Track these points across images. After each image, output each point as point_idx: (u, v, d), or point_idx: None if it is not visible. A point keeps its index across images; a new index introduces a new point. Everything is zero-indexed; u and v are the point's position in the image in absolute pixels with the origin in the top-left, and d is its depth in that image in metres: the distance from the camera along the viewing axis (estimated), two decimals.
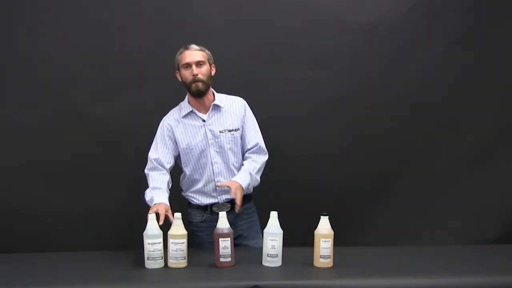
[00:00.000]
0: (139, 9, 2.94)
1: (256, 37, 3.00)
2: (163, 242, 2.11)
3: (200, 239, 2.49)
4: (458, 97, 3.13)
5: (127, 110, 2.97)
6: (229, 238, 2.08)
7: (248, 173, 2.44)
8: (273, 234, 2.11)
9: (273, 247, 2.10)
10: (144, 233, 2.10)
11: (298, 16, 3.01)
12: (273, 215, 2.14)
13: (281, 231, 2.13)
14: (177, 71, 2.49)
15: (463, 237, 3.05)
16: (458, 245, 2.77)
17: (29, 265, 2.22)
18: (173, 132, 2.48)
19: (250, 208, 2.56)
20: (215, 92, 2.53)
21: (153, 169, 2.45)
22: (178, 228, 2.09)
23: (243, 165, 2.50)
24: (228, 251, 2.08)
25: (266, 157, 2.56)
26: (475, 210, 3.15)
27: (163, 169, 2.45)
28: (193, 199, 2.53)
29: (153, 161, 2.46)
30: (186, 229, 2.12)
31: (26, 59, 2.90)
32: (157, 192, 2.36)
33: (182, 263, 2.10)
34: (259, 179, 2.50)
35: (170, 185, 2.46)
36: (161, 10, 2.95)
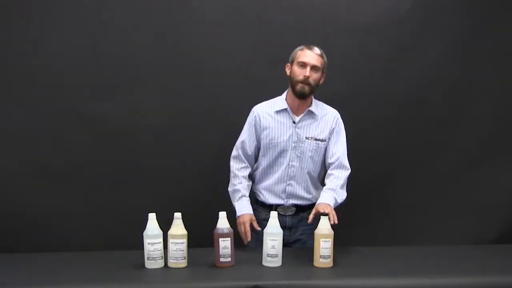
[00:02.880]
0: (139, 9, 2.93)
1: (256, 37, 2.99)
2: (163, 242, 2.11)
3: (259, 235, 2.36)
4: (458, 97, 3.13)
5: (127, 110, 2.96)
6: (229, 238, 2.08)
7: (330, 191, 2.37)
8: (273, 234, 2.11)
9: (273, 247, 2.10)
10: (144, 233, 2.10)
11: (297, 16, 3.00)
12: (273, 215, 2.14)
13: (281, 231, 2.13)
14: (288, 64, 2.47)
15: (463, 237, 3.05)
16: (458, 245, 2.77)
17: (29, 265, 2.21)
18: (260, 123, 2.48)
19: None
20: (313, 98, 2.52)
21: (236, 158, 2.52)
22: (178, 228, 2.09)
23: (325, 184, 2.44)
24: (228, 251, 2.08)
25: (348, 172, 2.46)
26: (475, 210, 3.15)
27: (244, 161, 2.50)
28: (260, 195, 2.53)
29: (238, 148, 2.50)
30: (186, 229, 2.12)
31: (26, 59, 2.89)
32: (238, 196, 2.46)
33: (182, 263, 2.09)
34: (345, 192, 2.42)
35: (249, 181, 2.53)
36: (162, 10, 2.94)
